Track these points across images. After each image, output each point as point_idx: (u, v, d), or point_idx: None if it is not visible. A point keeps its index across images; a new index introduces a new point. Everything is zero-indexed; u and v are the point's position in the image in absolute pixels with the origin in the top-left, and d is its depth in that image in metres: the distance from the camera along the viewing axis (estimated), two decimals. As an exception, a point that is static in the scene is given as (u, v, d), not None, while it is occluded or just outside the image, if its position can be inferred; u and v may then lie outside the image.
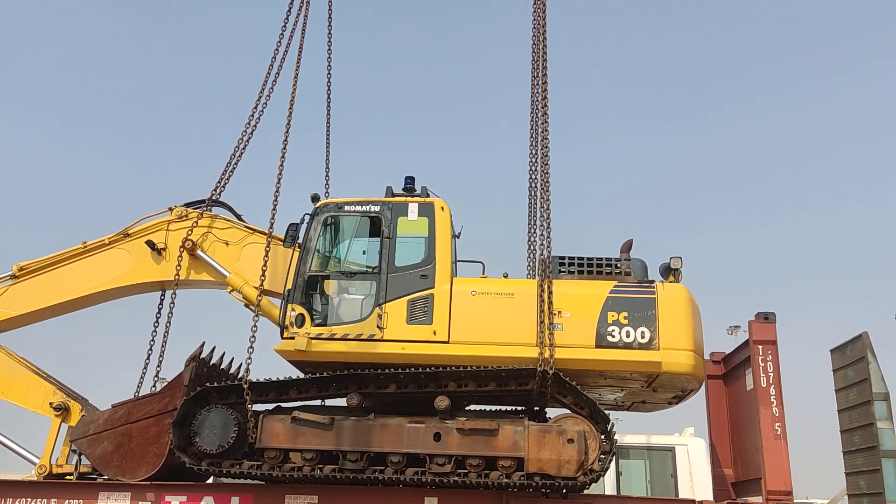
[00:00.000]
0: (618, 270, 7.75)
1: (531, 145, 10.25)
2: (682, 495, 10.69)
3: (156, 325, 9.05)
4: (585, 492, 7.42)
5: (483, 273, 8.04)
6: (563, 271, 7.77)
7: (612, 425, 7.04)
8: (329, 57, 10.77)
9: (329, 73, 10.78)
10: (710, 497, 9.02)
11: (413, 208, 7.93)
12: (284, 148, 8.47)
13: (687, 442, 11.39)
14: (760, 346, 7.36)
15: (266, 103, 9.84)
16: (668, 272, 7.81)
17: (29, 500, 7.66)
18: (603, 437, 7.10)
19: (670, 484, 11.11)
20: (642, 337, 7.25)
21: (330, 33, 10.75)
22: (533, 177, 10.13)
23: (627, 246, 8.00)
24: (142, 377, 8.79)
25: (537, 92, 10.18)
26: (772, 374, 7.25)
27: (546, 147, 8.03)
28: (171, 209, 9.23)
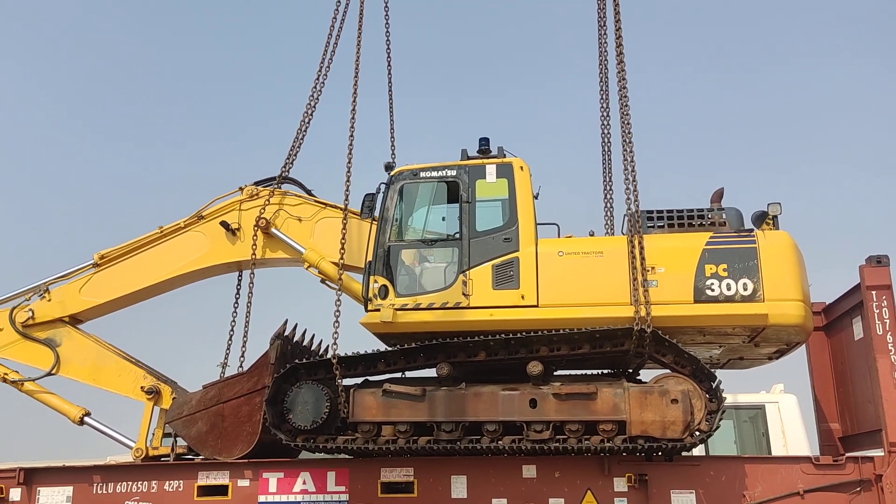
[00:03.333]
0: (711, 221, 7.35)
1: (602, 98, 9.87)
2: (775, 454, 10.30)
3: (236, 305, 9.08)
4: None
5: (559, 235, 7.75)
6: (653, 226, 7.42)
7: (719, 383, 6.72)
8: (386, 14, 10.52)
9: (387, 32, 10.53)
10: (809, 453, 8.63)
11: (491, 170, 7.65)
12: (353, 119, 8.27)
13: (778, 399, 10.94)
14: (874, 292, 6.88)
15: (326, 74, 9.69)
16: (762, 219, 7.37)
17: (130, 483, 7.76)
18: (708, 395, 6.79)
19: (761, 443, 10.72)
20: (744, 289, 6.87)
21: None
22: (605, 131, 9.77)
23: (718, 195, 7.58)
24: (226, 357, 8.83)
25: (605, 41, 9.75)
26: (888, 321, 6.78)
27: (626, 97, 7.66)
28: (241, 189, 9.17)
